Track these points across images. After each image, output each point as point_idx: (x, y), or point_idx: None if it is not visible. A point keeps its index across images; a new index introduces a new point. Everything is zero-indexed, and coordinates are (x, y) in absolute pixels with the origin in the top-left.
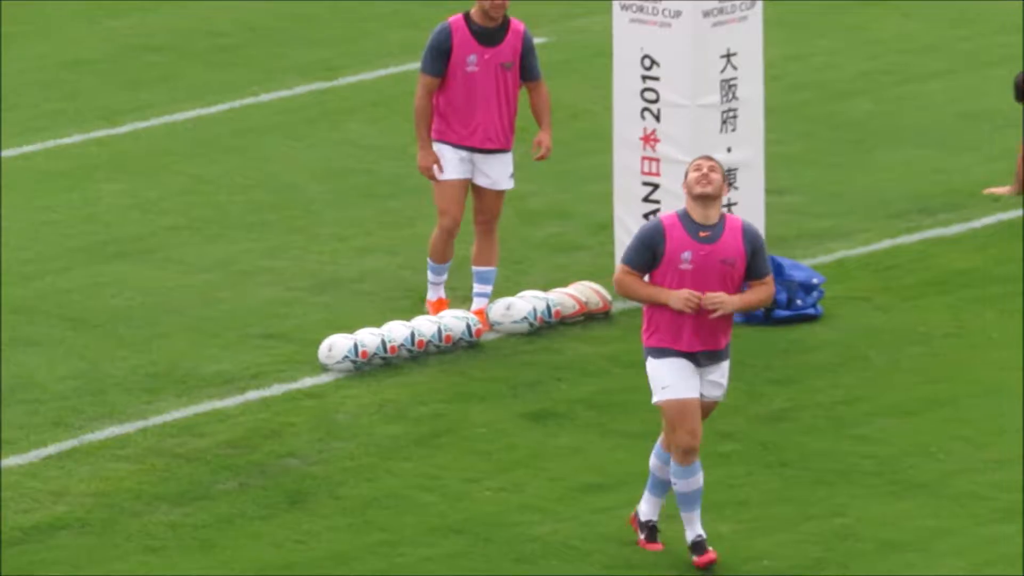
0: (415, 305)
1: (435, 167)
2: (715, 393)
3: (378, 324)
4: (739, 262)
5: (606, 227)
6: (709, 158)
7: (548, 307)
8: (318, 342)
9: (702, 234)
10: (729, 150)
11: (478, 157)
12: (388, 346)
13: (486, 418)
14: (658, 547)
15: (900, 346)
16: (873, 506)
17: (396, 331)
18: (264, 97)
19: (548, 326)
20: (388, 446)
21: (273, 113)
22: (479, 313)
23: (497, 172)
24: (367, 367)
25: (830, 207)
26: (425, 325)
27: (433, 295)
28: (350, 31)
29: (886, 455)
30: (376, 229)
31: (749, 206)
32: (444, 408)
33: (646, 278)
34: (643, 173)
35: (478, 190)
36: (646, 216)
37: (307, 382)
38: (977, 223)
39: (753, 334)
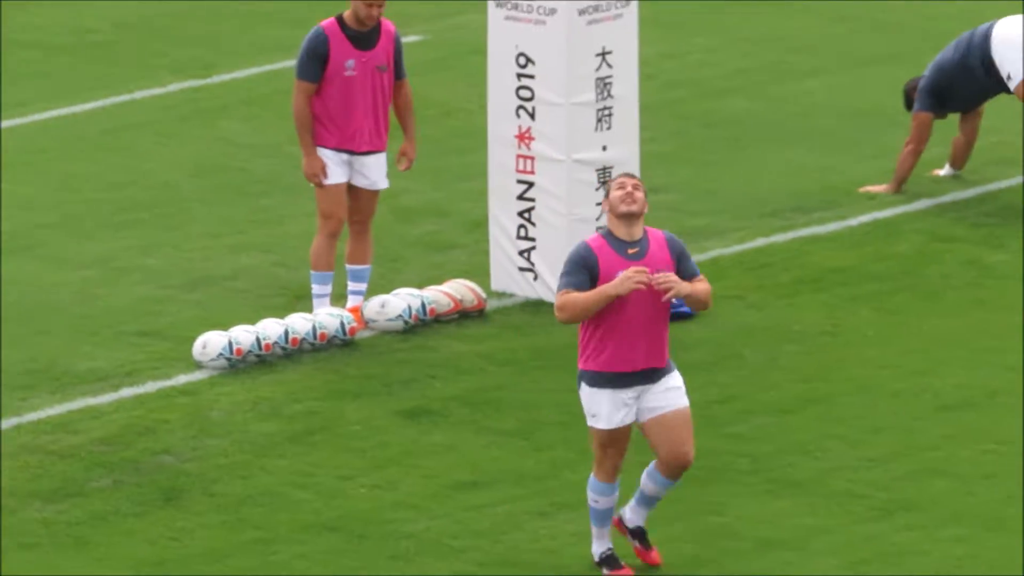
0: (289, 303)
1: (321, 173)
2: (680, 401)
3: (252, 322)
4: (668, 271)
5: (481, 225)
6: (632, 176)
7: (423, 305)
8: (192, 339)
9: (630, 251)
10: (604, 148)
11: (356, 159)
12: (263, 343)
13: (360, 415)
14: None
15: (775, 344)
16: (749, 504)
17: (270, 329)
18: (138, 94)
19: (423, 324)
20: (262, 443)
21: (146, 110)
22: (354, 311)
23: (375, 173)
24: (241, 364)
25: (705, 205)
26: (299, 323)
27: (318, 307)
28: (224, 28)
29: (762, 453)
30: (249, 227)
31: None
32: (318, 405)
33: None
34: (518, 171)
35: (355, 191)
36: (520, 214)
37: (181, 379)
38: (853, 221)
39: None
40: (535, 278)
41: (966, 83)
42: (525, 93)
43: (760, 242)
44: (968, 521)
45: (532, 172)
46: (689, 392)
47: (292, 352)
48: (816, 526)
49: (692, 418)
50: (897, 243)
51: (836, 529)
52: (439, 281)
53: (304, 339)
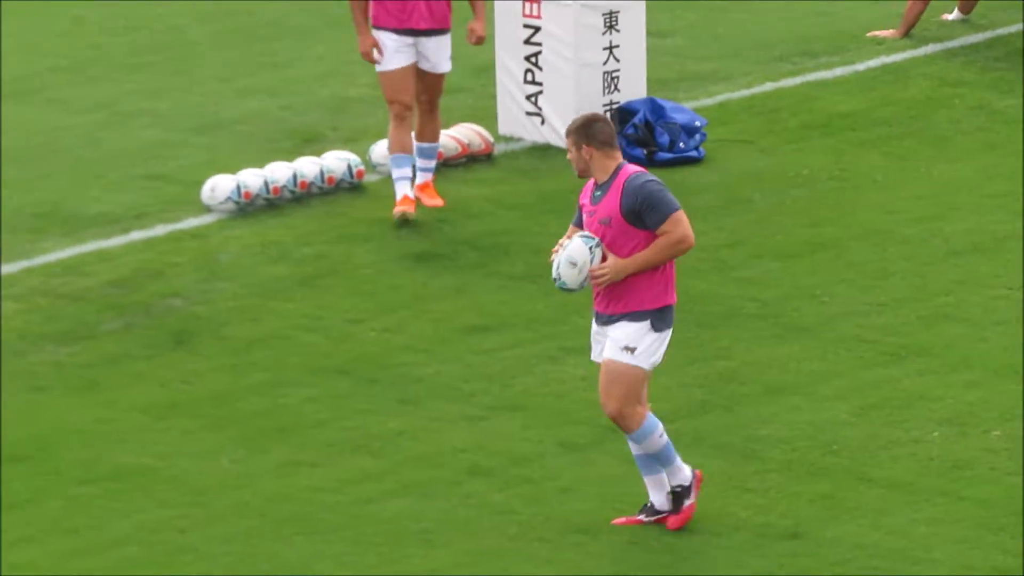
0: (297, 147)
1: (375, 51)
2: (607, 353)
3: (260, 165)
4: (614, 221)
5: (487, 69)
6: (567, 133)
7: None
8: (201, 183)
9: (596, 193)
10: None
11: (418, 41)
12: (271, 187)
13: (369, 259)
14: (688, 509)
15: (783, 189)
16: (757, 349)
17: (279, 172)
18: None
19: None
20: (271, 287)
21: None
22: (423, 187)
23: (435, 55)
24: (250, 208)
25: (712, 49)
26: (307, 167)
27: (400, 192)
28: None
29: (770, 298)
30: (257, 70)
31: (631, 48)
32: (327, 249)
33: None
34: (524, 16)
35: (420, 73)
36: (527, 58)
37: (190, 223)
38: (861, 66)
39: None
40: (542, 122)
41: None
42: None
43: (768, 87)
44: (979, 366)
45: (538, 16)
46: (697, 236)
47: (301, 196)
48: (824, 371)
49: (699, 261)
50: (906, 88)
51: (845, 374)
52: (446, 126)
53: (312, 183)
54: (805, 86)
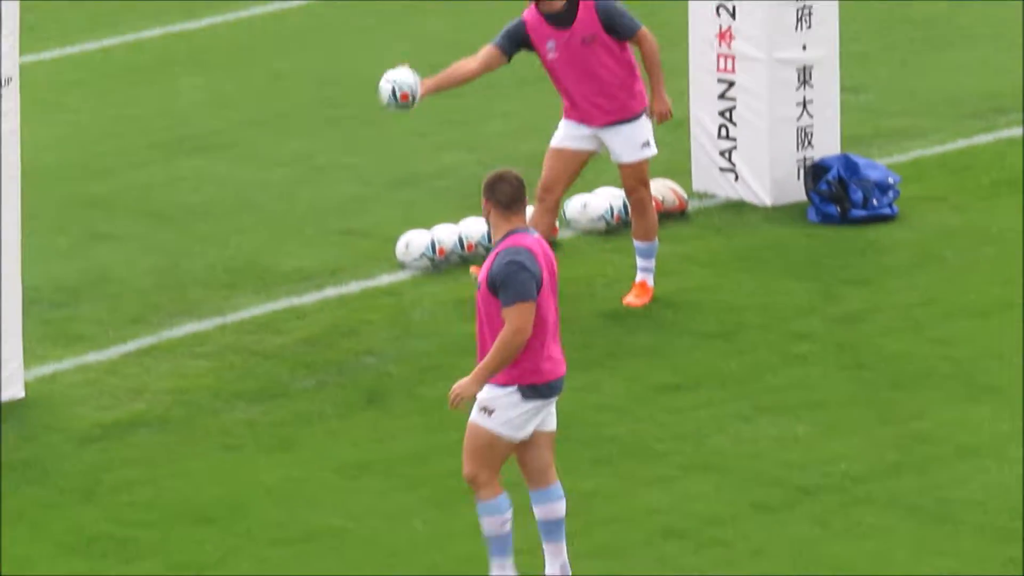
0: None
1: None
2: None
3: (455, 221)
4: (482, 288)
5: (682, 125)
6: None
7: (625, 205)
8: (395, 239)
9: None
10: (804, 47)
11: (599, 132)
12: (466, 243)
13: (563, 315)
14: None
15: (975, 246)
16: (950, 409)
17: (473, 228)
18: None
19: (625, 224)
20: (465, 345)
21: (352, 9)
22: (640, 286)
23: (617, 146)
24: (444, 264)
25: (905, 105)
26: None
27: None
28: None
29: (963, 357)
30: (453, 126)
31: (824, 104)
32: None
33: None
34: (719, 71)
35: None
36: (721, 114)
37: (384, 279)
38: None
39: (829, 234)
40: (736, 178)
41: None
42: None
43: (961, 143)
44: None
45: (733, 71)
46: (891, 294)
47: None
48: (1015, 432)
49: (892, 319)
50: None
51: None
52: None
53: None
54: (998, 143)
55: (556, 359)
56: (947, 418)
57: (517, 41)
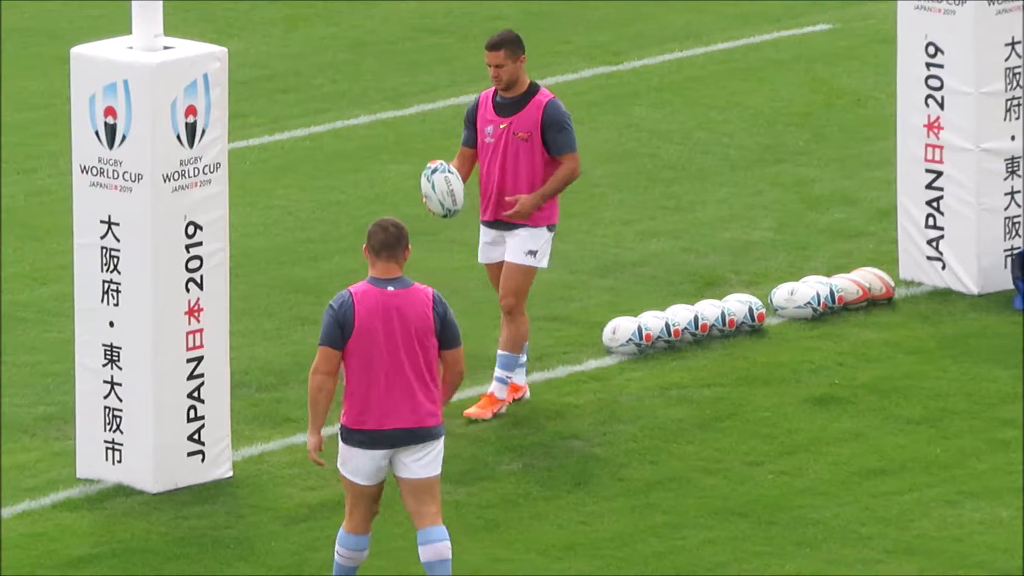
0: (698, 289)
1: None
2: None
3: (662, 307)
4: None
5: (889, 213)
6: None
7: (831, 292)
8: (602, 325)
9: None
10: (1013, 138)
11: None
12: (672, 329)
13: (769, 402)
14: None
15: None
16: None
17: (680, 314)
18: (548, 80)
19: (831, 311)
20: (671, 429)
21: (559, 96)
22: (489, 397)
23: (512, 244)
24: (651, 350)
25: None
26: (708, 309)
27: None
28: (630, 14)
29: None
30: (659, 213)
31: None
32: (727, 392)
33: None
34: (927, 160)
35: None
36: (929, 203)
37: (591, 364)
38: None
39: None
40: (943, 267)
41: None
42: (934, 82)
43: None
44: None
45: (941, 161)
46: None
47: (701, 338)
48: None
49: None
50: None
51: None
52: (847, 269)
53: (713, 325)
54: None
55: (393, 410)
56: None
57: (472, 123)
